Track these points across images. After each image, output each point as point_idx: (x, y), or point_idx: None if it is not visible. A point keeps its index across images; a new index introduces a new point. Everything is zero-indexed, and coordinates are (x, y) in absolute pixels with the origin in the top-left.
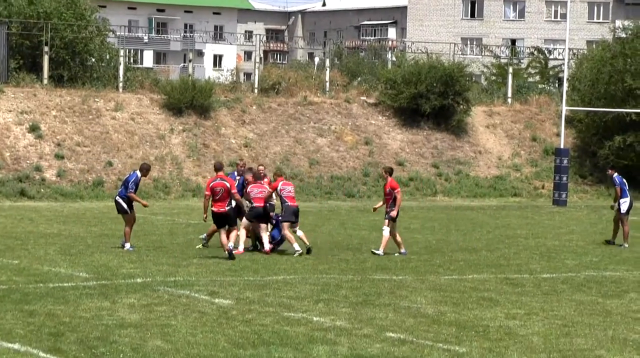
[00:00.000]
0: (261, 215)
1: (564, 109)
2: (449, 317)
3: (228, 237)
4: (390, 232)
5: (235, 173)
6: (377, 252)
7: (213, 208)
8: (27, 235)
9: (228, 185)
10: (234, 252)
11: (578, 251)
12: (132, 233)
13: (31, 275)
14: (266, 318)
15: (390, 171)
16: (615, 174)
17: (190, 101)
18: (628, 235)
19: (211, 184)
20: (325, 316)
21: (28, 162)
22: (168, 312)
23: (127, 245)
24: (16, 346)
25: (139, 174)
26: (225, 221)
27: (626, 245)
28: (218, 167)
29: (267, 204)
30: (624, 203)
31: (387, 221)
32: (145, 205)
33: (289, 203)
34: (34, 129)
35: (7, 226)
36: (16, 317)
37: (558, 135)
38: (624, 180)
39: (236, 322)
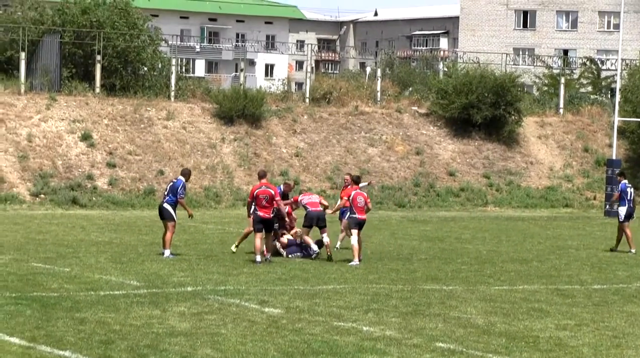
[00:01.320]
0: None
1: (616, 119)
2: (499, 327)
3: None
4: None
5: (281, 188)
6: (353, 263)
7: (259, 213)
8: (79, 243)
9: (272, 192)
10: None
11: (629, 262)
12: (180, 241)
13: (82, 283)
14: (316, 328)
15: (356, 180)
16: (623, 181)
17: (241, 110)
18: (632, 240)
19: (256, 191)
20: (375, 326)
21: (80, 170)
22: (218, 320)
23: (167, 253)
24: (67, 353)
25: (183, 179)
26: (267, 226)
27: (633, 251)
28: (262, 175)
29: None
30: (622, 211)
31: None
32: (190, 215)
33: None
34: (86, 137)
35: (59, 234)
36: (67, 325)
37: (610, 146)
38: (630, 189)
39: (286, 331)
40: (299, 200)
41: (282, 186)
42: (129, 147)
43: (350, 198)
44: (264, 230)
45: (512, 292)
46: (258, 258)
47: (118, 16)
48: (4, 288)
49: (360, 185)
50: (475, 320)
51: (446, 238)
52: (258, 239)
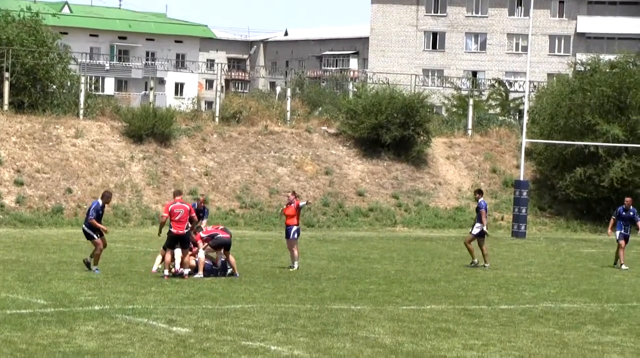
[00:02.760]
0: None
1: (524, 141)
2: (406, 347)
3: (174, 258)
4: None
5: (195, 205)
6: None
7: (172, 229)
8: None
9: (187, 207)
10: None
11: (536, 283)
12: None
13: None
14: (224, 347)
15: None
16: (482, 199)
17: (151, 129)
18: (487, 256)
19: (170, 206)
20: (283, 345)
21: None
22: (125, 339)
23: (94, 268)
24: None
25: (100, 201)
26: (179, 242)
27: (487, 265)
28: (176, 193)
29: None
30: (477, 228)
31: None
32: (105, 231)
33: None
34: None
35: None
36: None
37: (518, 167)
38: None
39: (194, 350)
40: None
41: (195, 203)
42: (37, 165)
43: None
44: (177, 247)
45: (420, 311)
46: (166, 271)
47: (27, 34)
48: None
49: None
50: (383, 340)
51: (354, 258)
52: (169, 254)
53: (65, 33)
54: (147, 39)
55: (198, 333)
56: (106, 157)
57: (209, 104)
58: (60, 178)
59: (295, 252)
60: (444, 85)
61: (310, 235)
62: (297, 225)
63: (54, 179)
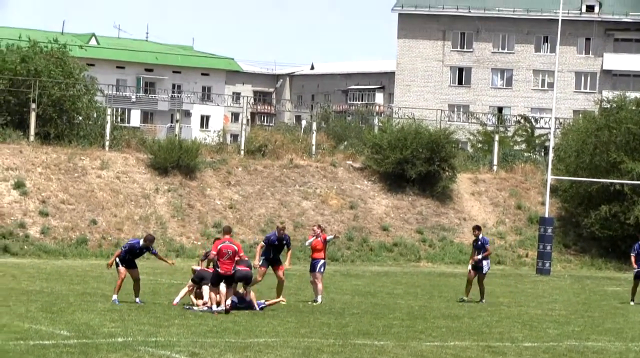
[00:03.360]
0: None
1: (549, 178)
2: None
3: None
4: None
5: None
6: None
7: (220, 270)
8: (9, 292)
9: (236, 248)
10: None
11: (560, 320)
12: (111, 292)
13: (12, 333)
14: None
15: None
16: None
17: (176, 161)
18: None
19: (220, 246)
20: None
21: (12, 218)
22: None
23: (115, 297)
24: None
25: (141, 242)
26: (227, 282)
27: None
28: (227, 230)
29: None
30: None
31: None
32: (109, 265)
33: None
34: (19, 185)
35: None
36: None
37: (543, 204)
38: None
39: None
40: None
41: (275, 232)
42: (62, 196)
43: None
44: (222, 285)
45: (444, 348)
46: (215, 307)
47: (54, 65)
48: None
49: (327, 237)
50: None
51: (378, 293)
52: (213, 293)
53: (92, 65)
54: (173, 72)
55: None
56: (131, 189)
57: (235, 136)
58: (85, 209)
59: (320, 286)
60: (469, 121)
61: (334, 270)
62: (324, 258)
63: (78, 210)
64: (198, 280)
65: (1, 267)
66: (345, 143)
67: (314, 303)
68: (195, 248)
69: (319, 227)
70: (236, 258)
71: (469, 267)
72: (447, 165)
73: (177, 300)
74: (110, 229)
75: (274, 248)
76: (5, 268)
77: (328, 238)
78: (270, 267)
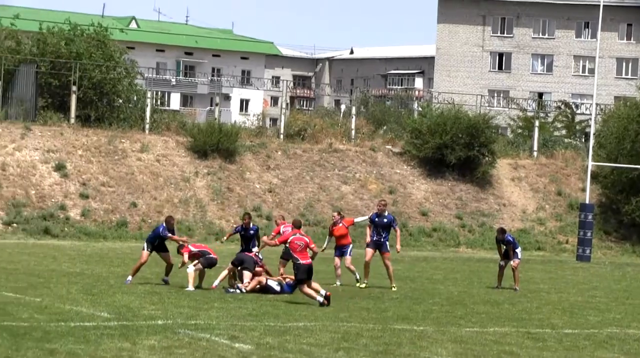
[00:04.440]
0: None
1: (590, 164)
2: None
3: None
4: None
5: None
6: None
7: (302, 261)
8: (50, 274)
9: (307, 240)
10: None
11: (601, 308)
12: (152, 274)
13: (53, 314)
14: None
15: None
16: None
17: (215, 145)
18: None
19: (291, 237)
20: None
21: (53, 200)
22: (188, 355)
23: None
24: None
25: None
26: (309, 273)
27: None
28: (297, 225)
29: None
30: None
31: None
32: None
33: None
34: (59, 167)
35: (30, 264)
36: (37, 355)
37: (583, 190)
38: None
39: None
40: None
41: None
42: (103, 179)
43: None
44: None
45: (483, 334)
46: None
47: (95, 48)
48: None
49: (356, 220)
50: None
51: (418, 279)
52: (307, 288)
53: (132, 48)
54: (213, 55)
55: (260, 350)
56: (171, 171)
57: (274, 120)
58: (125, 192)
59: (339, 272)
60: (509, 106)
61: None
62: (350, 243)
63: (119, 193)
64: (238, 263)
65: (42, 249)
66: (385, 128)
67: (361, 286)
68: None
69: (339, 213)
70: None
71: (500, 262)
72: (486, 151)
73: (216, 283)
74: (150, 212)
75: (380, 228)
76: (46, 250)
77: (357, 220)
78: (378, 251)
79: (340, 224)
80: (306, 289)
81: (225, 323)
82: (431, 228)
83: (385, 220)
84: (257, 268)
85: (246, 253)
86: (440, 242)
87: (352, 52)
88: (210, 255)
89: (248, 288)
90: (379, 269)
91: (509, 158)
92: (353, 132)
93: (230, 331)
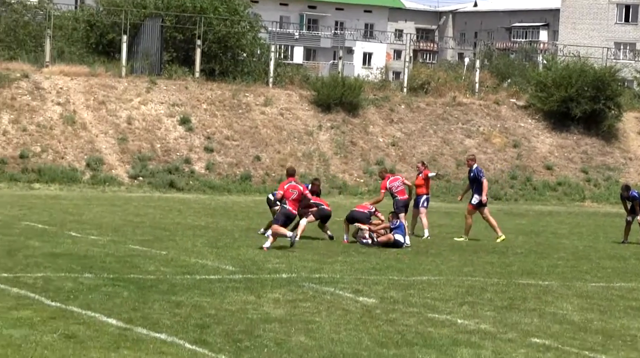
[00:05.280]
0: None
1: None
2: (595, 325)
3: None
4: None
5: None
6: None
7: (288, 207)
8: (175, 227)
9: (301, 188)
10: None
11: None
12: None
13: (178, 267)
14: (410, 319)
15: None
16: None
17: (339, 98)
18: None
19: (285, 186)
20: (469, 319)
21: (178, 154)
22: (312, 308)
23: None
24: (163, 336)
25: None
26: (291, 221)
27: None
28: (291, 173)
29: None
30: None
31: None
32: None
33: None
34: (184, 121)
35: (156, 217)
36: (163, 308)
37: None
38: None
39: (380, 321)
40: (387, 187)
41: (309, 185)
42: (227, 132)
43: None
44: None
45: (609, 289)
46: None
47: (219, 2)
48: (102, 270)
49: (429, 174)
50: (571, 317)
51: (542, 233)
52: (282, 229)
53: (256, 2)
54: (336, 9)
55: (384, 304)
56: (294, 125)
57: (397, 74)
58: (249, 146)
59: (425, 221)
60: (635, 59)
61: (497, 208)
62: (427, 194)
63: (243, 147)
64: (350, 220)
65: (167, 202)
66: (509, 81)
67: (423, 238)
68: (358, 186)
69: (423, 164)
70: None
71: (627, 217)
72: (612, 104)
73: (346, 237)
74: (273, 166)
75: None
76: (171, 203)
77: (430, 174)
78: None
79: (420, 175)
80: (282, 230)
81: (349, 277)
82: (556, 183)
83: (471, 174)
84: (376, 221)
85: (358, 209)
86: (565, 196)
87: (475, 5)
88: (324, 207)
89: (379, 240)
90: (501, 223)
91: (635, 111)
92: (477, 85)
93: (354, 285)
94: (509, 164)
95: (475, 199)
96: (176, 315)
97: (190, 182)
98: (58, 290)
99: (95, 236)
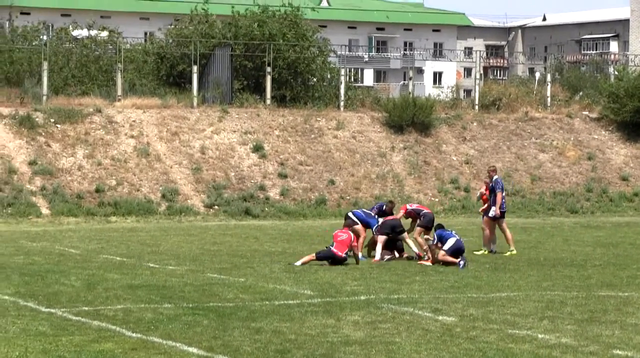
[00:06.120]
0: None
1: None
2: None
3: None
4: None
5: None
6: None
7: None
8: (253, 254)
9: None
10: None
11: None
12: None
13: (257, 293)
14: (490, 336)
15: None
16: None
17: (411, 119)
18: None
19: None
20: (550, 333)
21: (252, 181)
22: (392, 329)
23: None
24: None
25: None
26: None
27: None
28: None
29: None
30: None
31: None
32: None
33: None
34: (257, 148)
35: (232, 245)
36: (243, 334)
37: None
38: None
39: (460, 339)
40: (407, 210)
41: (383, 205)
42: (300, 158)
43: None
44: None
45: None
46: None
47: (288, 28)
48: (182, 299)
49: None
50: None
51: (620, 244)
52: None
53: (324, 26)
54: (404, 29)
55: (464, 322)
56: (367, 147)
57: (468, 92)
58: (323, 170)
59: (489, 233)
60: None
61: (574, 222)
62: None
63: (316, 171)
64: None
65: (243, 230)
66: (581, 93)
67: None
68: (433, 205)
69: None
70: None
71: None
72: None
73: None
74: (348, 189)
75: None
76: (247, 230)
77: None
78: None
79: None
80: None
81: (427, 296)
82: (632, 193)
83: (491, 184)
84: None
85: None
86: None
87: (544, 19)
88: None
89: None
90: (579, 236)
91: None
92: (549, 99)
93: (433, 304)
94: (584, 176)
95: (492, 212)
96: (256, 342)
97: (266, 209)
98: (138, 321)
99: (173, 266)
